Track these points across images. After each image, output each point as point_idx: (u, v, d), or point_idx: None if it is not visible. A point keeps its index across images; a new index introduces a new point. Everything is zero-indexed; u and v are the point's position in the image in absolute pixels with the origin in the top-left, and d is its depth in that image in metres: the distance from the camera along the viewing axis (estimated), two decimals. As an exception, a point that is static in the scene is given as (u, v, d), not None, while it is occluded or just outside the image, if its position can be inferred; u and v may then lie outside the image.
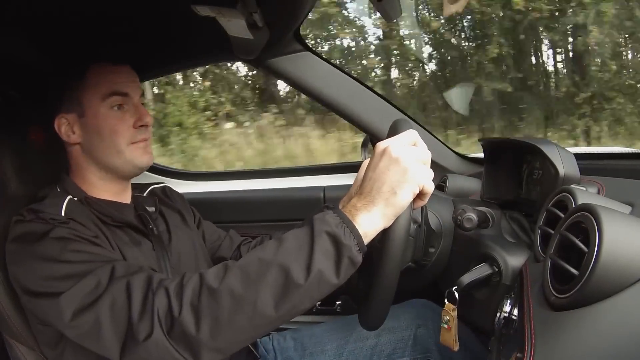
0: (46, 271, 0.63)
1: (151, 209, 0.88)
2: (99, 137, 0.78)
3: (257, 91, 5.86)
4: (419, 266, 0.97)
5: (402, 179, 0.59)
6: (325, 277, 0.57)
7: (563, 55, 5.39)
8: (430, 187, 0.62)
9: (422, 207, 0.90)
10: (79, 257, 0.64)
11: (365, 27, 5.72)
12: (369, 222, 0.59)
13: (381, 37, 5.59)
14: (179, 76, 5.39)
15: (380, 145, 0.63)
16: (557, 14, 4.80)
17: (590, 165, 0.92)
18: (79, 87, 0.78)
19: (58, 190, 0.77)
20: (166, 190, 0.99)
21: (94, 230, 0.71)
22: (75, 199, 0.75)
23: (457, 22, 5.30)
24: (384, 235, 0.61)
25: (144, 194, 0.93)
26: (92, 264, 0.64)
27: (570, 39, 5.06)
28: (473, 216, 0.84)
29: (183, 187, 1.48)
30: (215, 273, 0.60)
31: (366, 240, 0.60)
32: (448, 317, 0.79)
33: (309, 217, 0.61)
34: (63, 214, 0.70)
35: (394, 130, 0.67)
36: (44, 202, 0.73)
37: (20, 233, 0.68)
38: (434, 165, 1.42)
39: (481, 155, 1.09)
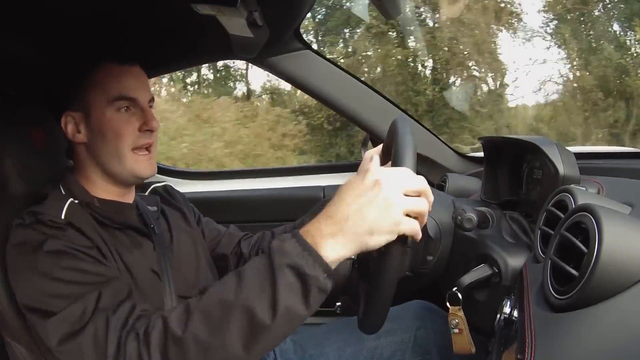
0: (38, 286, 0.64)
1: (153, 209, 0.88)
2: (102, 138, 0.77)
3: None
4: (416, 275, 0.97)
5: (384, 225, 0.54)
6: (293, 312, 0.53)
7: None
8: (418, 236, 0.56)
9: None
10: (70, 276, 0.64)
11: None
12: (333, 250, 0.54)
13: None
14: None
15: (373, 173, 0.56)
16: None
17: (590, 165, 0.92)
18: (86, 87, 0.77)
19: (61, 190, 0.77)
20: (168, 189, 0.99)
21: (92, 237, 0.70)
22: (76, 201, 0.74)
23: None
24: (382, 250, 0.59)
25: (146, 193, 0.93)
26: (82, 286, 0.63)
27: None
28: (473, 216, 0.83)
29: (184, 186, 1.48)
30: (177, 318, 0.57)
31: (332, 265, 0.55)
32: (457, 320, 0.77)
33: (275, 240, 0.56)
34: (63, 217, 0.70)
35: (393, 131, 0.66)
36: (44, 203, 0.72)
37: (20, 240, 0.67)
38: (434, 164, 1.43)
39: (481, 154, 1.08)
